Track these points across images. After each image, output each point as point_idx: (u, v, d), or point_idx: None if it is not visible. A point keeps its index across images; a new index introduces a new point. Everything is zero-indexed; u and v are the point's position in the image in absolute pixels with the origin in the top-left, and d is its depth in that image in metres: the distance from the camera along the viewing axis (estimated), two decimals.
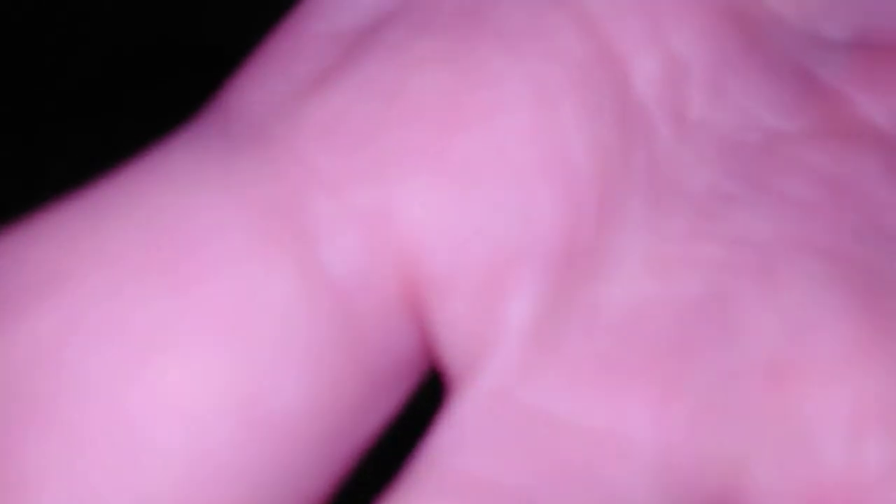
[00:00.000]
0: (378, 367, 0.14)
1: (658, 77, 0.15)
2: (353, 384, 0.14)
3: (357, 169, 0.14)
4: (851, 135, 0.15)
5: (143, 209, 0.14)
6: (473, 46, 0.15)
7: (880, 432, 0.13)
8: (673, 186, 0.15)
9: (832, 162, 0.15)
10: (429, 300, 0.14)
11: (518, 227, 0.14)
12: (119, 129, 0.48)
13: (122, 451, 0.13)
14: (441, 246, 0.14)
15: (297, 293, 0.14)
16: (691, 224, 0.15)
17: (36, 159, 0.47)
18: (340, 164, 0.14)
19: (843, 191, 0.15)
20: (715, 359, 0.14)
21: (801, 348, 0.14)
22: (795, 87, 0.16)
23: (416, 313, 0.14)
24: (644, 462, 0.13)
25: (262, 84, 0.15)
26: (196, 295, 0.13)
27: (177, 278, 0.14)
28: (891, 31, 0.16)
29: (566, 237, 0.14)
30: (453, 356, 0.14)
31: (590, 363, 0.14)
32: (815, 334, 0.14)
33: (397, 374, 0.14)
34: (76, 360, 0.13)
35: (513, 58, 0.15)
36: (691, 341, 0.14)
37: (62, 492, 0.13)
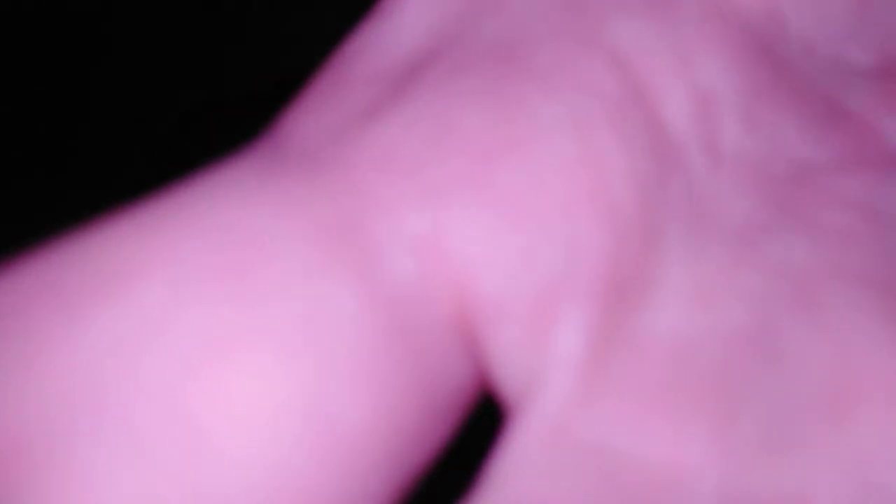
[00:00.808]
0: (435, 390, 0.14)
1: (689, 110, 0.15)
2: (411, 406, 0.14)
3: (409, 194, 0.14)
4: (882, 162, 0.16)
5: (203, 219, 0.14)
6: (509, 84, 0.15)
7: None
8: (710, 217, 0.15)
9: (864, 190, 0.16)
10: (481, 327, 0.15)
11: (565, 254, 0.14)
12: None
13: (185, 457, 0.13)
14: (491, 272, 0.14)
15: (359, 309, 0.14)
16: (731, 254, 0.15)
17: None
18: (393, 189, 0.14)
19: (876, 218, 0.15)
20: (769, 389, 0.14)
21: (855, 377, 0.14)
22: (824, 115, 0.16)
23: (469, 339, 0.15)
24: (705, 494, 0.14)
25: (312, 118, 0.15)
26: (260, 303, 0.14)
27: (241, 286, 0.14)
28: None
29: (612, 265, 0.15)
30: (507, 383, 0.15)
31: (644, 393, 0.14)
32: (867, 362, 0.14)
33: (453, 398, 0.15)
34: (137, 361, 0.13)
35: (548, 94, 0.15)
36: (743, 371, 0.14)
37: (117, 498, 0.13)
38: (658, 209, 0.15)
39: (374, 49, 0.16)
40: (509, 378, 0.15)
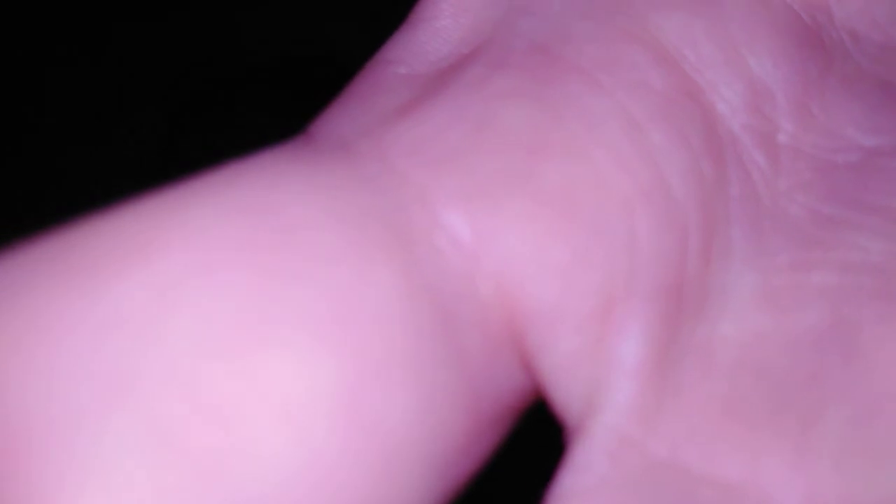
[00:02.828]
0: (482, 395, 0.14)
1: (742, 104, 0.15)
2: (457, 408, 0.13)
3: (447, 184, 0.14)
4: None
5: (232, 197, 0.13)
6: (554, 80, 0.15)
7: None
8: (773, 214, 0.15)
9: None
10: (535, 336, 0.14)
11: (623, 257, 0.14)
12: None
13: (211, 448, 0.12)
14: (544, 276, 0.14)
15: (398, 298, 0.13)
16: (798, 252, 0.14)
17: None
18: (431, 178, 0.14)
19: None
20: (848, 392, 0.13)
21: None
22: (878, 98, 0.16)
23: (519, 344, 0.14)
24: None
25: (348, 117, 0.15)
26: (294, 285, 0.13)
27: (271, 262, 0.13)
28: None
29: (672, 268, 0.14)
30: (566, 394, 0.14)
31: (714, 407, 0.14)
32: None
33: (501, 406, 0.14)
34: (164, 337, 0.12)
35: (595, 91, 0.14)
36: (818, 376, 0.14)
37: (144, 484, 0.12)
38: (718, 208, 0.14)
39: (409, 54, 0.15)
40: (568, 390, 0.14)
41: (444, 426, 0.13)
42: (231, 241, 0.13)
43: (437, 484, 0.13)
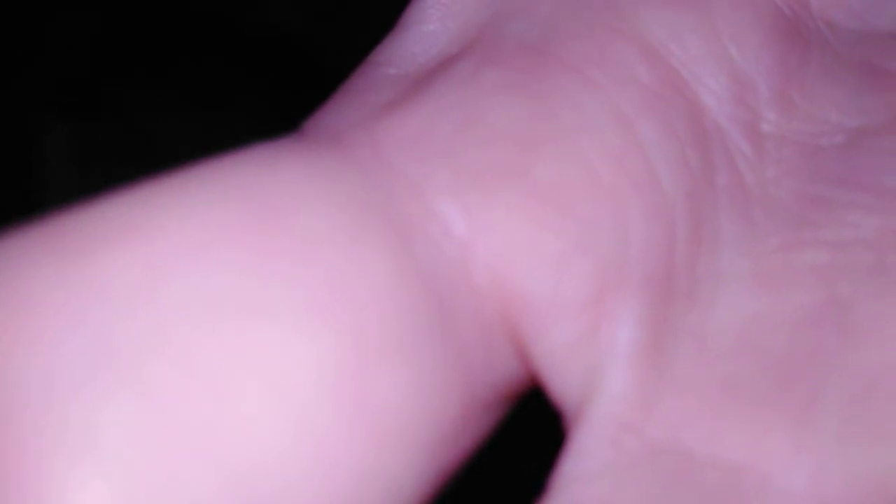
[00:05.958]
0: (477, 381, 0.14)
1: (727, 96, 0.15)
2: (453, 395, 0.14)
3: (440, 175, 0.14)
4: None
5: (226, 180, 0.14)
6: (543, 76, 0.15)
7: None
8: (761, 200, 0.15)
9: None
10: (529, 326, 0.14)
11: (615, 246, 0.14)
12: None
13: (206, 421, 0.12)
14: (536, 266, 0.14)
15: (392, 281, 0.13)
16: (789, 233, 0.15)
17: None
18: (424, 172, 0.14)
19: None
20: (846, 368, 0.14)
21: None
22: (859, 80, 0.16)
23: (514, 333, 0.14)
24: (798, 495, 0.13)
25: (341, 112, 0.15)
26: (288, 264, 0.13)
27: (267, 246, 0.13)
28: None
29: (663, 257, 0.14)
30: (562, 382, 0.14)
31: (712, 389, 0.14)
32: None
33: (496, 393, 0.14)
34: (157, 309, 0.13)
35: (584, 85, 0.15)
36: (816, 354, 0.14)
37: (132, 451, 0.12)
38: (706, 197, 0.15)
39: (398, 57, 0.16)
40: (564, 377, 0.14)
41: (436, 410, 0.14)
42: (226, 223, 0.13)
43: (428, 467, 0.14)
